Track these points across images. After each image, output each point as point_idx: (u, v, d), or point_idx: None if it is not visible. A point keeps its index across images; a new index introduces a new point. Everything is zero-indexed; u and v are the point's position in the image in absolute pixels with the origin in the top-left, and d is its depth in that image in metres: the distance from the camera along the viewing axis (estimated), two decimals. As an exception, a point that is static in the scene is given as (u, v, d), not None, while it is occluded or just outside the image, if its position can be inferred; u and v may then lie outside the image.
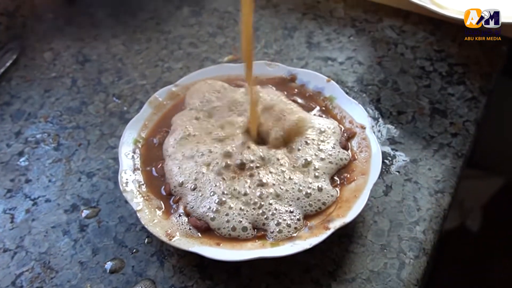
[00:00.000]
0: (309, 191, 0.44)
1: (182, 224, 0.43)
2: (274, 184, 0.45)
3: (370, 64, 0.61)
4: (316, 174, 0.46)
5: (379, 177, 0.45)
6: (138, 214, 0.43)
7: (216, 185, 0.45)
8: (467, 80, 0.58)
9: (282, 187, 0.45)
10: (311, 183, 0.45)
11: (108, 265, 0.45)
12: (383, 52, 0.62)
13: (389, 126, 0.54)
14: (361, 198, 0.43)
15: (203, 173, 0.46)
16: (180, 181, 0.46)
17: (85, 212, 0.49)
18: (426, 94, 0.57)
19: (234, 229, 0.43)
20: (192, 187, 0.45)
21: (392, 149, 0.52)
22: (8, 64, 0.63)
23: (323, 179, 0.46)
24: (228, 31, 0.67)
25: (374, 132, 0.49)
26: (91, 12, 0.71)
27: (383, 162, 0.48)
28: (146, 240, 0.46)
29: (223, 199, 0.44)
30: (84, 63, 0.64)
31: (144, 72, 0.62)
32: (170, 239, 0.42)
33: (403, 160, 0.51)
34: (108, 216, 0.48)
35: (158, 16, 0.70)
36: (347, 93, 0.54)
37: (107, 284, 0.43)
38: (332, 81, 0.53)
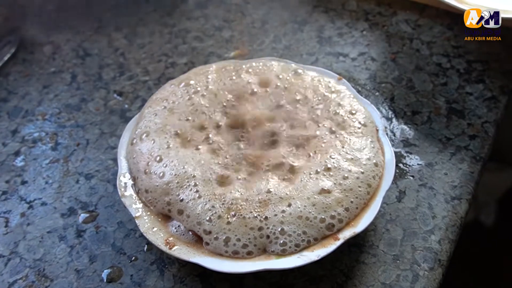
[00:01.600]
0: (332, 221, 0.40)
1: (183, 233, 0.41)
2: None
3: (384, 61, 0.58)
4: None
5: (392, 182, 0.42)
6: (136, 221, 0.41)
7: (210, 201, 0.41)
8: (487, 78, 0.55)
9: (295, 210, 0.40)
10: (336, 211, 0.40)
11: (106, 273, 0.43)
12: (398, 47, 0.59)
13: (403, 126, 0.52)
14: (373, 206, 0.41)
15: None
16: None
17: (82, 217, 0.46)
18: (443, 93, 0.54)
19: (236, 252, 0.39)
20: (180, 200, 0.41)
21: (406, 152, 0.49)
22: (6, 58, 0.61)
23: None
24: (235, 25, 0.64)
25: (387, 134, 0.47)
26: (92, 3, 0.68)
27: (396, 165, 0.46)
28: (145, 247, 0.44)
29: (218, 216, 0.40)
30: (84, 57, 0.62)
31: (147, 68, 0.60)
32: (170, 248, 0.39)
33: (418, 164, 0.48)
34: (106, 221, 0.46)
35: (162, 8, 0.67)
36: (359, 91, 0.52)
37: (104, 294, 0.41)
38: (343, 79, 0.50)
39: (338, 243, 0.39)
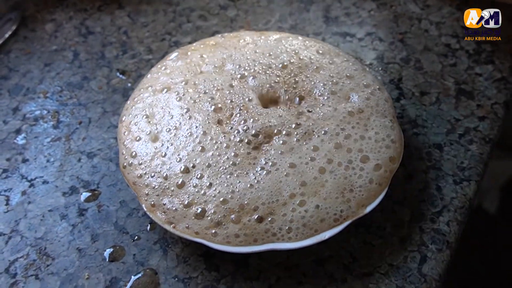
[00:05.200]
0: (347, 220, 0.38)
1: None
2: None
3: (392, 41, 0.57)
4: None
5: (400, 164, 0.41)
6: (140, 200, 0.40)
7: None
8: (496, 59, 0.54)
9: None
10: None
11: (108, 252, 0.42)
12: (406, 28, 0.58)
13: (411, 107, 0.51)
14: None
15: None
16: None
17: (84, 195, 0.46)
18: (452, 73, 0.53)
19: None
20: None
21: (414, 133, 0.48)
22: (7, 35, 0.60)
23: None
24: (240, 3, 0.63)
25: (395, 115, 0.46)
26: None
27: (404, 146, 0.45)
28: (148, 227, 0.43)
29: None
30: (87, 35, 0.61)
31: (150, 46, 0.58)
32: (174, 227, 0.39)
33: (426, 145, 0.47)
34: (108, 200, 0.45)
35: (166, -14, 0.66)
36: (366, 71, 0.51)
37: (106, 273, 0.41)
38: None
39: (345, 223, 0.38)
